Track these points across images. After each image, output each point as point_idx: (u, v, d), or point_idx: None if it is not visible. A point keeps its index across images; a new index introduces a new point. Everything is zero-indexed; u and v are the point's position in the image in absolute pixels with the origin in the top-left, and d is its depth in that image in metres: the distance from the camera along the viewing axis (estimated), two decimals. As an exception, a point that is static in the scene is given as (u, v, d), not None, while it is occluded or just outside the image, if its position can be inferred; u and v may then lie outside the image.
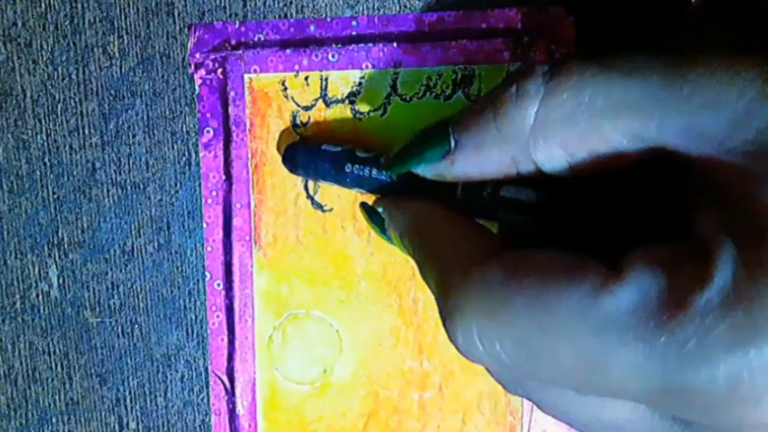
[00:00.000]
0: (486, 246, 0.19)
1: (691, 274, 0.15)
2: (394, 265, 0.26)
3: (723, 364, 0.14)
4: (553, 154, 0.18)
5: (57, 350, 0.28)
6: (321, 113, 0.26)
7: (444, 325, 0.18)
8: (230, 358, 0.27)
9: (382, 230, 0.24)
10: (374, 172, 0.23)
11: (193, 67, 0.26)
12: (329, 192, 0.26)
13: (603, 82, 0.17)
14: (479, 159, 0.19)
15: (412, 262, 0.22)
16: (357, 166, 0.24)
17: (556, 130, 0.18)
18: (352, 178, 0.24)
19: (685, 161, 0.17)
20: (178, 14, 0.27)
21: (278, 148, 0.26)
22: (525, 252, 0.18)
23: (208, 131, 0.27)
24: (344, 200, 0.26)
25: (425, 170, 0.21)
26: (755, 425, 0.15)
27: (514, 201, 0.20)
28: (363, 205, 0.25)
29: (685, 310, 0.15)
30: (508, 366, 0.17)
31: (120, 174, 0.27)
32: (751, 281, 0.14)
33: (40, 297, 0.28)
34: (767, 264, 0.14)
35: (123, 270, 0.28)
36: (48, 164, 0.28)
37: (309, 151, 0.25)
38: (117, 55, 0.27)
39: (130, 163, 0.27)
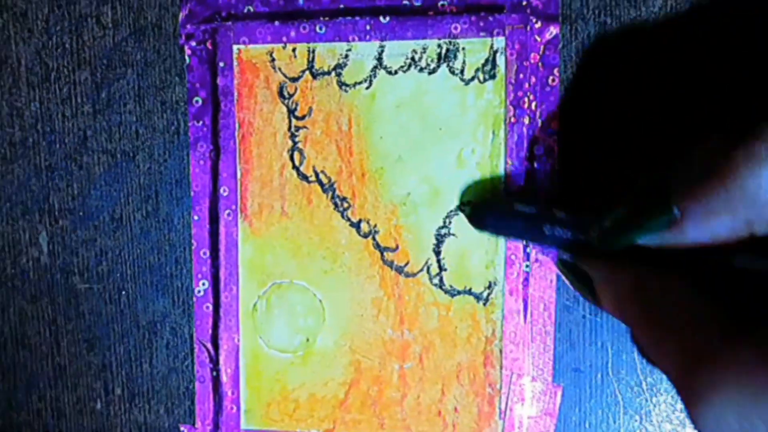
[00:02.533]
0: (725, 319, 0.18)
1: None
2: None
3: None
4: None
5: (45, 316, 0.29)
6: (308, 84, 0.26)
7: (688, 403, 0.17)
8: (215, 326, 0.28)
9: (588, 291, 0.23)
10: (578, 235, 0.22)
11: (183, 38, 0.27)
12: (313, 164, 0.27)
13: None
14: (710, 226, 0.18)
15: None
16: (557, 228, 0.23)
17: None
18: (551, 240, 0.23)
19: None
20: (171, -14, 0.27)
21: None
22: None
23: (196, 101, 0.27)
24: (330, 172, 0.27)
25: (650, 240, 0.19)
26: None
27: (752, 271, 0.19)
28: (565, 263, 0.24)
29: None
30: None
31: (110, 142, 0.28)
32: None
33: (30, 263, 0.29)
34: None
35: (111, 237, 0.28)
36: (41, 132, 0.28)
37: (501, 212, 0.24)
38: (110, 25, 0.27)
39: (121, 131, 0.28)
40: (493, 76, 0.25)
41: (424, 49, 0.26)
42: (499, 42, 0.25)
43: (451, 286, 0.26)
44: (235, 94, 0.27)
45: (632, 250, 0.20)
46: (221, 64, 0.27)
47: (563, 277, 0.24)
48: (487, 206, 0.25)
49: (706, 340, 0.17)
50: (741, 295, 0.19)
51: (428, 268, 0.26)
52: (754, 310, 0.19)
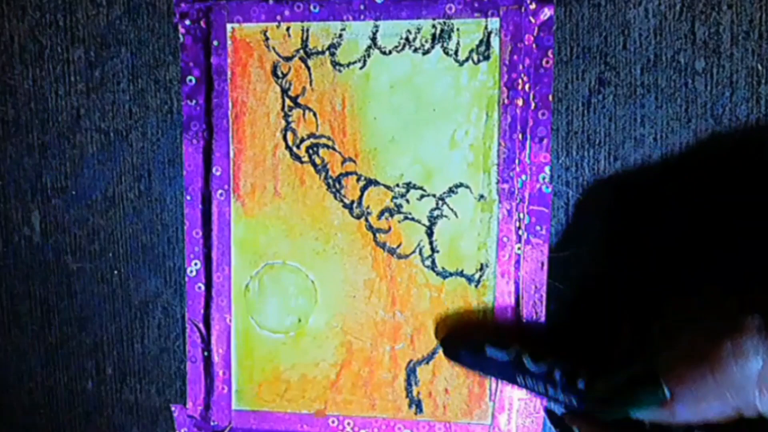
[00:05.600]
0: None
1: None
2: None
3: None
4: None
5: (37, 295, 0.29)
6: (301, 64, 0.26)
7: None
8: (207, 306, 0.28)
9: None
10: (551, 390, 0.23)
11: (177, 16, 0.27)
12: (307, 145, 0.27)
13: None
14: (700, 409, 0.19)
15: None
16: (529, 379, 0.23)
17: None
18: (524, 388, 0.24)
19: None
20: (165, -36, 0.27)
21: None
22: None
23: (190, 80, 0.27)
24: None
25: (641, 415, 0.21)
26: None
27: None
28: (552, 416, 0.25)
29: None
30: None
31: (104, 121, 0.28)
32: None
33: (23, 242, 0.29)
34: None
35: (104, 216, 0.28)
36: (34, 110, 0.28)
37: (474, 356, 0.25)
38: (104, 3, 0.27)
39: (114, 110, 0.28)
40: (487, 57, 0.25)
41: (419, 30, 0.26)
42: (494, 23, 0.25)
43: (443, 268, 0.26)
44: (229, 73, 0.27)
45: (625, 421, 0.21)
46: (215, 43, 0.26)
47: (549, 423, 0.25)
48: (461, 346, 0.25)
49: None
50: None
51: (420, 250, 0.26)
52: None
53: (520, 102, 0.25)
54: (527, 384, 0.23)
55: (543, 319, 0.25)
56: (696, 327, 0.20)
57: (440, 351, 0.26)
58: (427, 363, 0.27)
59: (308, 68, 0.26)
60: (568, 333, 0.25)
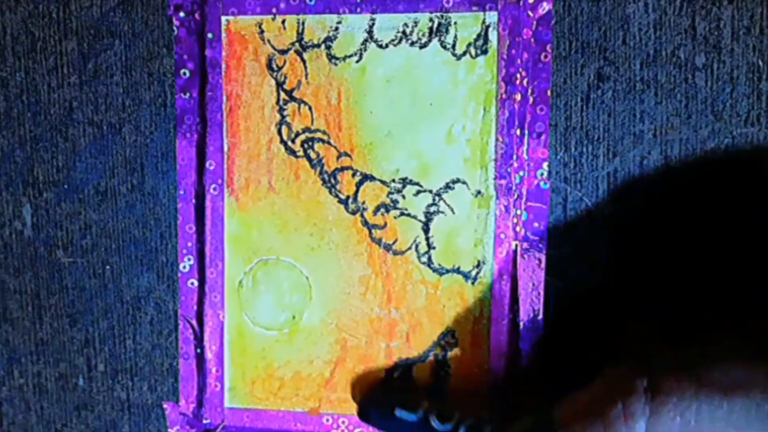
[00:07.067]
0: None
1: None
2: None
3: None
4: None
5: (28, 290, 0.28)
6: (297, 57, 0.26)
7: None
8: (200, 302, 0.27)
9: None
10: None
11: (172, 8, 0.26)
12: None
13: (705, 402, 0.18)
14: None
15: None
16: None
17: None
18: None
19: None
20: (159, -44, 0.27)
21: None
22: None
23: (184, 73, 0.27)
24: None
25: None
26: None
27: None
28: None
29: None
30: None
31: (96, 114, 0.27)
32: None
33: (14, 235, 0.28)
34: None
35: (96, 210, 0.28)
36: (26, 102, 0.28)
37: (384, 416, 0.25)
38: (97, -5, 0.27)
39: (107, 103, 0.27)
40: (485, 52, 0.25)
41: (416, 23, 0.25)
42: (492, 17, 0.25)
43: (439, 265, 0.26)
44: (223, 66, 0.26)
45: None
46: (209, 36, 0.26)
47: None
48: (372, 408, 0.26)
49: None
50: None
51: (417, 246, 0.26)
52: None
53: (518, 97, 0.25)
54: None
55: (541, 316, 0.25)
56: (598, 384, 0.21)
57: (435, 350, 0.26)
58: (423, 362, 0.26)
59: (304, 61, 0.26)
60: (565, 330, 0.25)
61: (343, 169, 0.26)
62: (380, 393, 0.26)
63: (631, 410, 0.19)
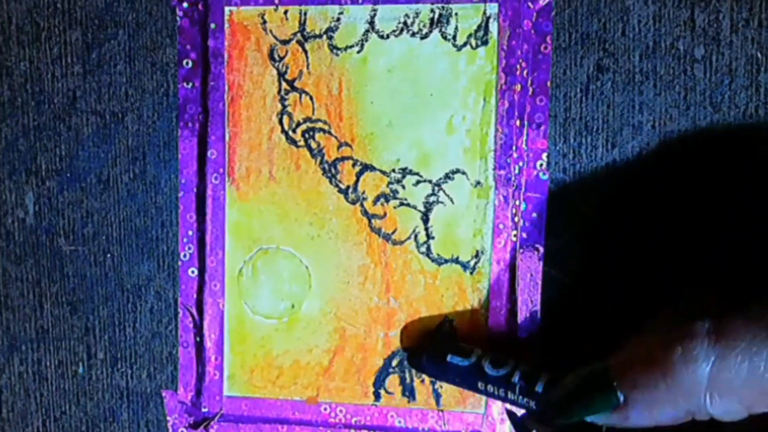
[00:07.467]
0: None
1: None
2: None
3: None
4: (732, 409, 0.18)
5: (30, 277, 0.29)
6: (298, 47, 0.26)
7: None
8: (200, 290, 0.27)
9: None
10: (510, 394, 0.23)
11: (175, -1, 0.27)
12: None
13: None
14: (652, 413, 0.20)
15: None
16: (490, 386, 0.23)
17: (733, 390, 0.18)
18: (486, 395, 0.24)
19: None
20: (164, -53, 0.27)
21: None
22: None
23: (187, 63, 0.27)
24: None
25: (596, 420, 0.21)
26: None
27: None
28: (510, 414, 0.25)
29: None
30: None
31: (100, 103, 0.28)
32: None
33: (16, 223, 0.28)
34: None
35: (98, 199, 0.28)
36: (30, 91, 0.28)
37: (436, 363, 0.25)
38: (102, -15, 0.27)
39: (110, 92, 0.28)
40: (485, 42, 0.25)
41: (417, 14, 0.26)
42: (492, 8, 0.25)
43: (438, 255, 0.26)
44: (226, 56, 0.26)
45: (581, 424, 0.21)
46: (212, 26, 0.26)
47: (510, 425, 0.25)
48: (424, 355, 0.25)
49: None
50: None
51: (416, 236, 0.26)
52: None
53: (518, 88, 0.25)
54: (487, 390, 0.23)
55: (538, 306, 0.25)
56: (650, 333, 0.20)
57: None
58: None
59: (305, 52, 0.26)
60: (563, 320, 0.25)
61: (343, 158, 0.26)
62: (430, 341, 0.26)
63: (693, 354, 0.18)
